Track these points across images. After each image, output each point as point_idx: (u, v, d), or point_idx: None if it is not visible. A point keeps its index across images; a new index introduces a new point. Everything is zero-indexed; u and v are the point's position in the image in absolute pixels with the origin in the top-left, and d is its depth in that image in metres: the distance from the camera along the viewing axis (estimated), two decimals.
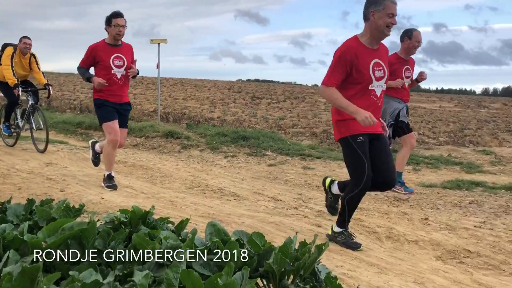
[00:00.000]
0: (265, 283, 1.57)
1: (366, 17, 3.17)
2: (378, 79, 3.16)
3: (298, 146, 8.90)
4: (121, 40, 4.86)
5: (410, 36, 5.19)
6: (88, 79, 4.75)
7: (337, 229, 3.35)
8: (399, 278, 2.69)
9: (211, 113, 15.44)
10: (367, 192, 5.40)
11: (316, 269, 1.62)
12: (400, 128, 5.32)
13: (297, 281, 1.55)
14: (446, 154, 8.70)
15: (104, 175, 4.93)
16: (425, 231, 3.72)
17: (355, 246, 3.21)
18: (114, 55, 4.75)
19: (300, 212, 4.19)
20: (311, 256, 1.58)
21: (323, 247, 1.60)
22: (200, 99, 21.40)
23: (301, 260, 1.55)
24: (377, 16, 3.08)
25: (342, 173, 6.90)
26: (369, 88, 3.14)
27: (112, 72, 4.73)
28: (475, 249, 3.33)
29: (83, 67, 4.80)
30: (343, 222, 3.33)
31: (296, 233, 1.90)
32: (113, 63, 4.74)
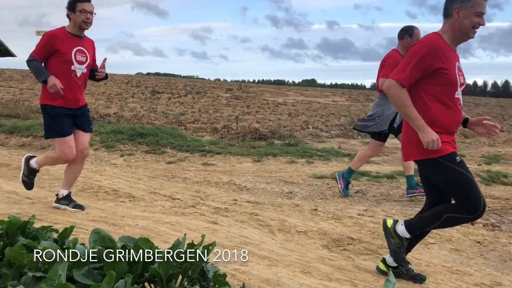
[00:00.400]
0: (152, 287, 1.58)
1: (448, 14, 2.66)
2: (461, 85, 2.69)
3: (199, 142, 8.92)
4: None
5: (411, 34, 4.90)
6: (42, 79, 3.82)
7: (401, 230, 2.80)
8: (287, 269, 2.85)
9: (107, 109, 14.81)
10: (266, 187, 5.63)
11: (205, 269, 1.66)
12: (383, 134, 5.06)
13: (185, 282, 1.59)
14: (336, 146, 9.30)
15: (29, 162, 4.13)
16: (313, 222, 3.97)
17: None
18: (77, 47, 3.97)
19: (198, 210, 4.22)
20: (198, 257, 1.62)
21: (210, 247, 1.66)
22: (95, 94, 20.41)
23: (187, 262, 1.59)
24: (463, 14, 2.59)
25: (241, 168, 7.07)
26: (455, 97, 2.66)
27: (72, 68, 3.95)
28: (357, 236, 3.63)
29: (37, 60, 3.90)
30: (412, 227, 2.79)
31: (185, 234, 1.93)
32: (75, 58, 3.95)
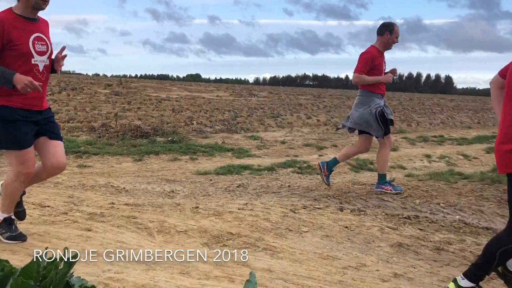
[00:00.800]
0: None
1: None
2: None
3: (74, 143, 8.38)
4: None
5: (391, 31, 4.97)
6: (5, 78, 2.87)
7: (466, 284, 2.58)
8: (165, 272, 2.80)
9: None
10: (146, 188, 5.46)
11: (70, 283, 1.56)
12: (383, 127, 4.99)
13: None
14: (220, 141, 9.39)
15: None
16: (194, 220, 3.95)
17: None
18: (34, 35, 3.03)
19: (70, 217, 3.95)
20: (60, 272, 1.51)
21: (73, 259, 1.56)
22: None
23: (47, 278, 1.47)
24: None
25: (120, 168, 6.78)
26: None
27: (33, 61, 3.02)
28: (237, 231, 3.70)
29: None
30: (477, 276, 2.58)
31: (46, 247, 1.79)
32: (34, 48, 3.02)
